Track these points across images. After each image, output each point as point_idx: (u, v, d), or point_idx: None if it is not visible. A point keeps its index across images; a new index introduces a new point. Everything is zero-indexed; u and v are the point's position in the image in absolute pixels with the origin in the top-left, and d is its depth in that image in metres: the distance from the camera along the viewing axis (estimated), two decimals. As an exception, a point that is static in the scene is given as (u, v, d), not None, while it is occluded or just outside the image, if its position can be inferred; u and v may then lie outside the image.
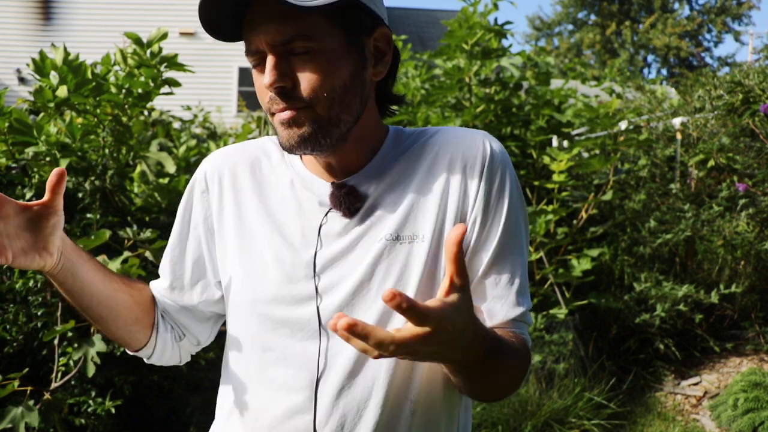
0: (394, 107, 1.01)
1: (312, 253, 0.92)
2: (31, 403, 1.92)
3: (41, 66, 2.24)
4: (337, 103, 0.87)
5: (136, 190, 2.60)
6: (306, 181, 0.96)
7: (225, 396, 1.02)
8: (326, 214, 0.94)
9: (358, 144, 0.94)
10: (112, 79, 2.39)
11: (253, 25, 0.86)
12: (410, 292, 0.89)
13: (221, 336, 1.06)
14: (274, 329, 0.92)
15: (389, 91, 0.98)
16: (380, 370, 0.89)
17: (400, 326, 0.70)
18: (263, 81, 0.86)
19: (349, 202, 0.92)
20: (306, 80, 0.86)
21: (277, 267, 0.93)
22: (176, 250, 1.04)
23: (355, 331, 0.65)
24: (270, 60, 0.85)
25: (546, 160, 3.73)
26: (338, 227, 0.93)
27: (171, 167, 2.51)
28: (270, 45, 0.85)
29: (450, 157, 0.93)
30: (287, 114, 0.87)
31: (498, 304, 0.91)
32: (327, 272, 0.92)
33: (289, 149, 0.89)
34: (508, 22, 3.82)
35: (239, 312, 0.97)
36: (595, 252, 3.79)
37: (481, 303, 0.91)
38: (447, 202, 0.92)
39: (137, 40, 2.37)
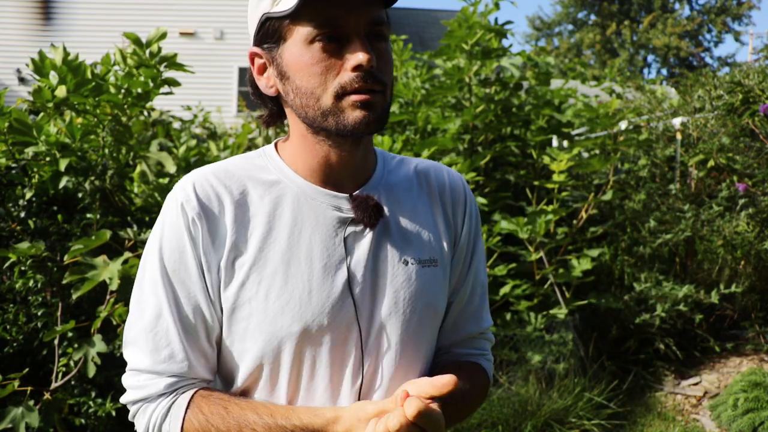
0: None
1: (344, 275, 0.91)
2: (31, 403, 1.92)
3: (40, 66, 2.24)
4: (392, 92, 0.93)
5: (136, 190, 2.59)
6: (316, 195, 0.93)
7: None
8: (347, 228, 0.93)
9: (367, 148, 0.97)
10: (111, 79, 2.39)
11: (344, 1, 0.85)
12: (438, 314, 1.00)
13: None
14: (319, 357, 0.90)
15: None
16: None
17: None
18: (357, 58, 0.85)
19: (377, 214, 0.93)
20: (384, 65, 0.89)
21: (316, 295, 0.90)
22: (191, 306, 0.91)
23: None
24: (361, 38, 0.86)
25: (546, 160, 3.73)
26: (364, 243, 0.93)
27: (171, 167, 2.51)
28: (365, 24, 0.86)
29: (441, 190, 1.03)
30: (367, 96, 0.87)
31: (467, 322, 1.06)
32: (361, 293, 0.92)
33: (358, 130, 0.88)
34: (508, 22, 3.82)
35: (268, 348, 0.90)
36: (595, 252, 3.78)
37: (450, 319, 1.05)
38: (447, 231, 1.02)
39: (136, 40, 2.37)
